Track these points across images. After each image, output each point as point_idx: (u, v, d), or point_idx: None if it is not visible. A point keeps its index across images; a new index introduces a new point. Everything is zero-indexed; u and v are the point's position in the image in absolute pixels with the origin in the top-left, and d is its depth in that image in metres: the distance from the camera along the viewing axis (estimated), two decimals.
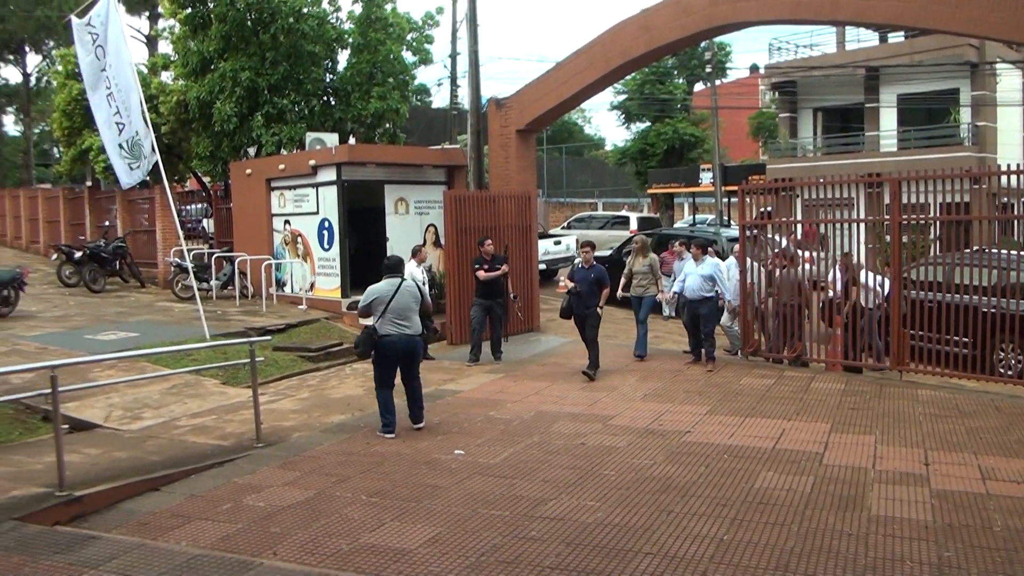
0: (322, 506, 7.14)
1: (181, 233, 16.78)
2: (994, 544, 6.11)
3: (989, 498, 7.10)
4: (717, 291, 13.63)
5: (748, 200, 14.11)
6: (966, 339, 11.74)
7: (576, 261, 13.49)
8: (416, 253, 14.00)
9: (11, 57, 51.15)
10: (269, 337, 13.02)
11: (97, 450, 8.80)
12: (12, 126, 62.41)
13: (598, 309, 12.66)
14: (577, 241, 25.83)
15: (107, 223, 24.32)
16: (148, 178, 16.00)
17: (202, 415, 10.44)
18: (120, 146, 14.49)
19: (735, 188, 20.91)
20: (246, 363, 9.83)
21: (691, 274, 13.51)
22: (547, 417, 10.16)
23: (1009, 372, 12.18)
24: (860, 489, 7.36)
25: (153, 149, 14.23)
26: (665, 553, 5.99)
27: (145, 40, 44.35)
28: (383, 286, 9.57)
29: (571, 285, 12.79)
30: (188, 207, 29.51)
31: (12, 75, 59.87)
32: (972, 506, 6.91)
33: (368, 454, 8.72)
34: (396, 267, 9.81)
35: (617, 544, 6.17)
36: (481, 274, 13.83)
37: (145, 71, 24.70)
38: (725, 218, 35.81)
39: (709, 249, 14.15)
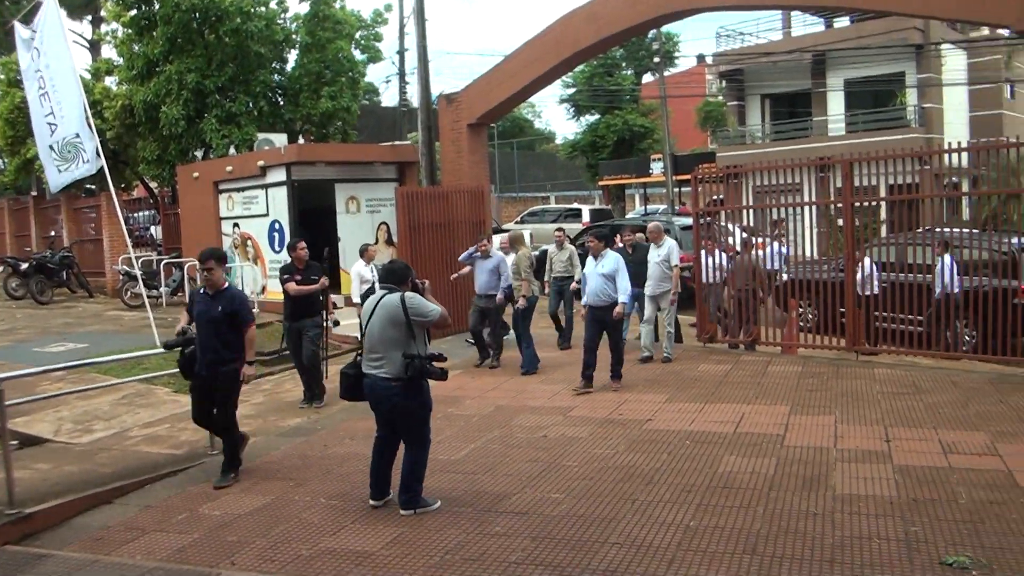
0: (280, 511, 6.98)
1: (129, 241, 16.46)
2: (960, 516, 6.13)
3: (952, 471, 7.12)
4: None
5: (700, 188, 14.09)
6: (920, 317, 11.86)
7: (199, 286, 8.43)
8: (364, 252, 12.76)
9: None
10: None
11: (47, 465, 8.57)
12: None
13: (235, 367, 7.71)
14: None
15: (53, 233, 23.86)
16: (94, 186, 15.64)
17: (154, 424, 10.22)
18: (51, 147, 14.13)
19: (686, 177, 20.94)
20: None
21: (590, 274, 10.80)
22: (507, 411, 10.06)
23: (964, 348, 12.29)
24: (823, 469, 7.35)
25: (98, 154, 13.86)
26: (632, 542, 5.92)
27: (88, 45, 43.56)
28: (369, 302, 6.90)
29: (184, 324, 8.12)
30: (135, 214, 29.07)
31: None
32: (935, 480, 6.93)
33: (326, 457, 8.56)
34: (394, 277, 6.82)
35: (583, 536, 6.09)
36: (291, 287, 10.48)
37: (88, 76, 24.21)
38: (677, 207, 35.99)
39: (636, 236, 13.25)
